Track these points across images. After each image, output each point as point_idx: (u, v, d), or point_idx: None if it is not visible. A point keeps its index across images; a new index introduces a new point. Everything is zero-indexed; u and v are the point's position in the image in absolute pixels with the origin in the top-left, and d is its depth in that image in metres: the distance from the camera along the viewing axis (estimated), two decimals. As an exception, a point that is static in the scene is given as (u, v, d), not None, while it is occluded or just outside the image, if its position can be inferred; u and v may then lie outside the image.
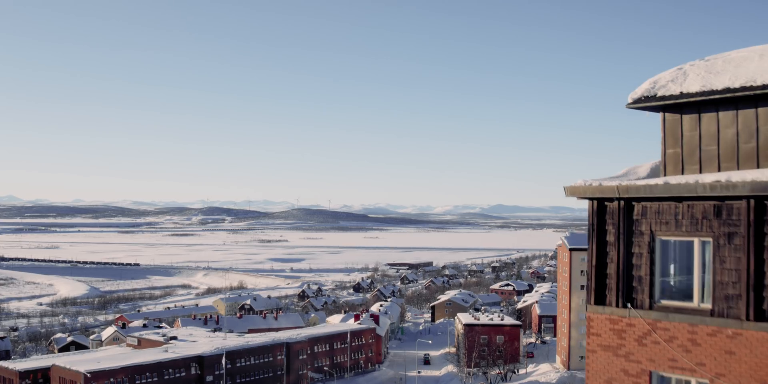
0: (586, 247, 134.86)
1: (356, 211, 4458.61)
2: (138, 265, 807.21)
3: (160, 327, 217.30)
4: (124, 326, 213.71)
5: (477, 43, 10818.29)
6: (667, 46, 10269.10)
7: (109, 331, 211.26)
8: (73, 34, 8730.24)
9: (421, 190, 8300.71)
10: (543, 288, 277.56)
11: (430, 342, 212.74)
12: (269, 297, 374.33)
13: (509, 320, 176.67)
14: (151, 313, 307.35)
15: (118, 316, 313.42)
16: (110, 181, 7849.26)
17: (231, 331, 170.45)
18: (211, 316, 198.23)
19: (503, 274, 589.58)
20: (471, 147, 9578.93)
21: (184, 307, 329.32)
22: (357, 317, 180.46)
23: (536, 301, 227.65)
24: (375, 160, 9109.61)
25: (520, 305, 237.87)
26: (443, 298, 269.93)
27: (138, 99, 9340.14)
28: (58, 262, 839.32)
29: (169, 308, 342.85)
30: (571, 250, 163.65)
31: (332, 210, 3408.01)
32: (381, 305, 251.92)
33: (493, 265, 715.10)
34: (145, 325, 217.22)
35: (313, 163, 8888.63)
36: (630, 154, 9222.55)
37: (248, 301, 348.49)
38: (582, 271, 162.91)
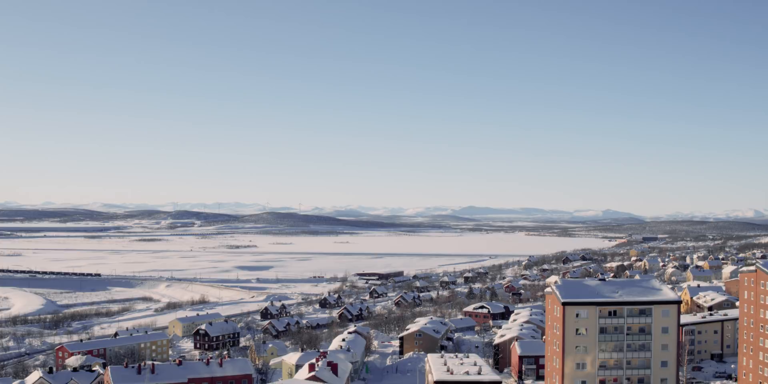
0: (583, 300, 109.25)
1: (327, 214, 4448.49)
2: (99, 275, 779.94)
3: (92, 371, 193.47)
4: (51, 371, 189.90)
5: (458, 47, 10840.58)
6: (651, 49, 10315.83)
7: (34, 377, 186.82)
8: (42, 40, 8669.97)
9: (393, 191, 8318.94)
10: (521, 316, 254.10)
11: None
12: (226, 321, 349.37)
13: (488, 373, 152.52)
14: (96, 342, 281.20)
15: (59, 345, 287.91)
16: (82, 184, 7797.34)
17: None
18: (145, 363, 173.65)
19: (476, 286, 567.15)
20: (443, 148, 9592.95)
21: (132, 334, 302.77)
22: (312, 367, 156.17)
23: (516, 338, 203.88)
24: (347, 161, 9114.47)
25: (497, 339, 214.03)
26: (413, 327, 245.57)
27: (116, 103, 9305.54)
28: (17, 272, 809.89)
29: (117, 335, 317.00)
30: (564, 304, 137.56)
31: (303, 213, 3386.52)
32: (343, 339, 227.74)
33: (465, 275, 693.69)
34: (75, 370, 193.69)
35: (286, 165, 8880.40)
36: (606, 155, 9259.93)
37: (203, 326, 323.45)
38: (578, 330, 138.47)
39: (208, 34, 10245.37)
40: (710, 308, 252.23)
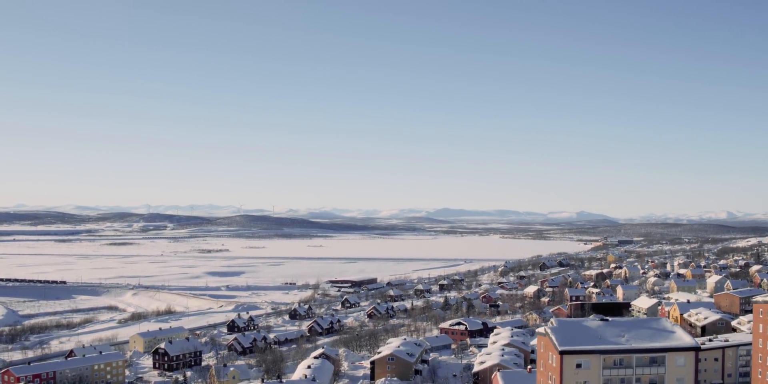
0: (585, 348, 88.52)
1: (302, 216, 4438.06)
2: (65, 283, 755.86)
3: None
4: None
5: (435, 48, 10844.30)
6: (625, 49, 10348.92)
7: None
8: (21, 44, 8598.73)
9: (368, 193, 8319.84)
10: (502, 337, 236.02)
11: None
12: (188, 338, 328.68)
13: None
14: (45, 365, 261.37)
15: (9, 365, 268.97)
16: (55, 185, 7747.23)
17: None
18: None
19: (452, 295, 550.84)
20: (418, 150, 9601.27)
21: (85, 355, 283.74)
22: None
23: (498, 366, 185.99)
24: (322, 163, 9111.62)
25: (477, 367, 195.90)
26: (385, 351, 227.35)
27: (94, 107, 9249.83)
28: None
29: (71, 354, 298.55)
30: (563, 353, 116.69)
31: (276, 216, 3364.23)
32: (309, 366, 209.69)
33: (440, 282, 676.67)
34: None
35: (260, 167, 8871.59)
36: (579, 156, 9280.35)
37: (163, 345, 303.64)
38: None
39: (186, 38, 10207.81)
40: (703, 328, 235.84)
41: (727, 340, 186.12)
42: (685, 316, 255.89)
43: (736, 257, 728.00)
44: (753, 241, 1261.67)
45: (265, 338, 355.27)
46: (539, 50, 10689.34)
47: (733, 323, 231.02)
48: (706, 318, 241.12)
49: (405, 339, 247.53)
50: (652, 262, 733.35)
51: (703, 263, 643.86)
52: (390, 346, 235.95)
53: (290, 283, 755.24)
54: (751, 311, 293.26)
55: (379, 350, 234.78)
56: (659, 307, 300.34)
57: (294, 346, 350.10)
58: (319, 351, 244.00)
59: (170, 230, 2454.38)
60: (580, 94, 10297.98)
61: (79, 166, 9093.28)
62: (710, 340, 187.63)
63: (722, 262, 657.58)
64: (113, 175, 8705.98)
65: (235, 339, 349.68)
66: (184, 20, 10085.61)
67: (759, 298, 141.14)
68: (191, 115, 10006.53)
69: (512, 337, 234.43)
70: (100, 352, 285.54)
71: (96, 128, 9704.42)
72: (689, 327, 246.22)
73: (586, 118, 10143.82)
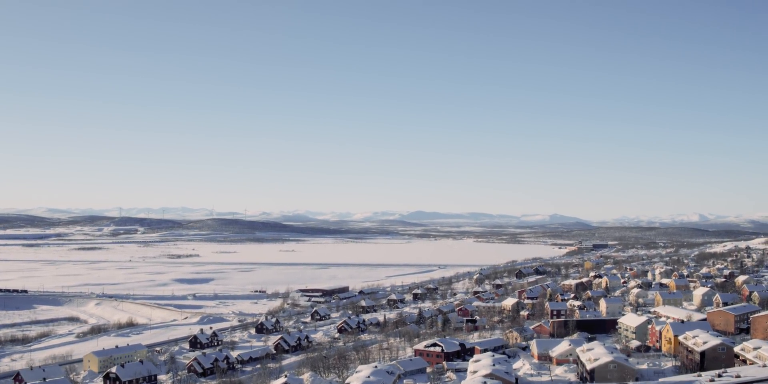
0: None
1: (274, 219, 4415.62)
2: (26, 292, 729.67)
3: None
4: None
5: (410, 50, 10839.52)
6: (599, 49, 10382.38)
7: None
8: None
9: (341, 196, 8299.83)
10: (482, 365, 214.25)
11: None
12: (142, 361, 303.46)
13: None
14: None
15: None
16: (27, 187, 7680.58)
17: None
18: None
19: (426, 306, 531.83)
20: (391, 152, 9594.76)
21: (32, 376, 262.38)
22: None
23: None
24: (295, 166, 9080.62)
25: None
26: (354, 382, 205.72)
27: (64, 110, 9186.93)
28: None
29: (17, 379, 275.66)
30: None
31: (249, 219, 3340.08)
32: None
33: (414, 291, 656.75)
34: None
35: (234, 170, 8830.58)
36: (552, 158, 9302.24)
37: (114, 369, 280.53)
38: None
39: (164, 42, 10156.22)
40: (702, 354, 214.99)
41: (738, 376, 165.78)
42: (681, 338, 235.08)
43: (718, 265, 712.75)
44: (729, 245, 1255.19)
45: (227, 358, 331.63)
46: (511, 52, 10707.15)
47: (737, 349, 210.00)
48: (705, 342, 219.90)
49: (376, 366, 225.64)
50: (632, 270, 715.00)
51: (685, 272, 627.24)
52: (359, 375, 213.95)
53: (260, 291, 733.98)
54: (746, 330, 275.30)
55: (347, 381, 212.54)
56: (649, 326, 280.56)
57: (258, 365, 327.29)
58: (282, 380, 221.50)
59: (141, 234, 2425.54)
60: (553, 97, 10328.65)
61: (51, 168, 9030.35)
62: (720, 376, 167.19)
63: (705, 270, 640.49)
64: (86, 177, 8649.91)
65: (195, 359, 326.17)
66: (168, 25, 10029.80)
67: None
68: (165, 119, 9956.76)
69: (494, 365, 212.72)
70: (44, 379, 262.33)
71: (70, 131, 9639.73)
72: (687, 351, 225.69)
73: (558, 120, 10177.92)
